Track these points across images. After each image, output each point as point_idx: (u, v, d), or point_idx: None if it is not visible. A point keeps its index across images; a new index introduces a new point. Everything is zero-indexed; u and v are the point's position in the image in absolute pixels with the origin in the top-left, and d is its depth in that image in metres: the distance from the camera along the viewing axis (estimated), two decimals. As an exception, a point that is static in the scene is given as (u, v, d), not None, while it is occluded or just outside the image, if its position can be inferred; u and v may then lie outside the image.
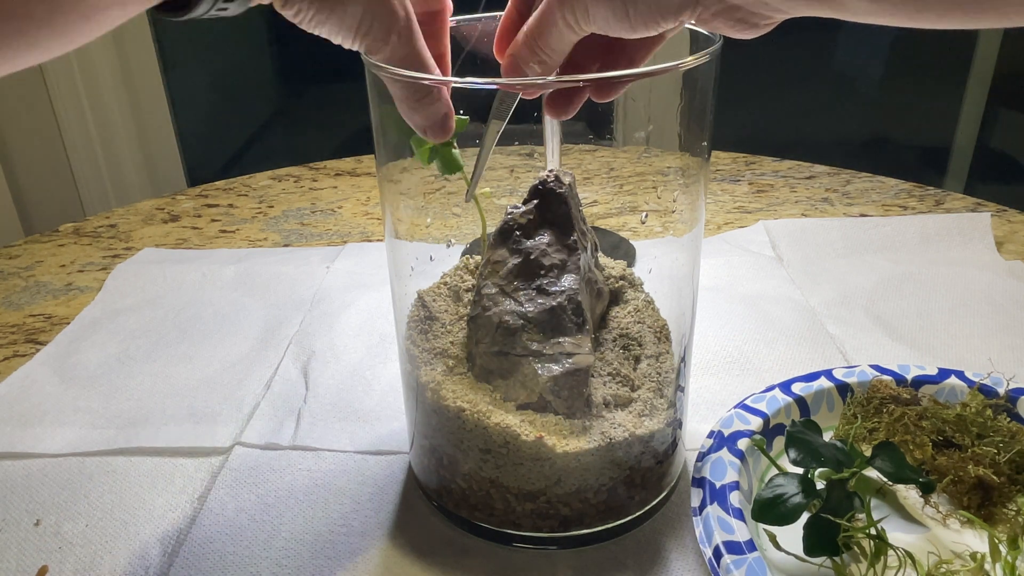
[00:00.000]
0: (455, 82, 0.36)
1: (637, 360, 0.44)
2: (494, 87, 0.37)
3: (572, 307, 0.40)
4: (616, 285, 0.47)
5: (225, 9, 0.30)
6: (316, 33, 0.33)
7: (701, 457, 0.45)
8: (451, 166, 0.38)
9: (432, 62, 0.35)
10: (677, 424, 0.45)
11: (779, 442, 0.47)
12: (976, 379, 0.49)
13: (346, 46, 0.34)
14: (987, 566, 0.39)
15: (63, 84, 1.44)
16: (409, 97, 0.35)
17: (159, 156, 1.62)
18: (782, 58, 2.08)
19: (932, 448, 0.46)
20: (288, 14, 0.32)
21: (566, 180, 0.42)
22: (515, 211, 0.42)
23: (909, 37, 2.04)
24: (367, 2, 0.32)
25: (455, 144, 0.38)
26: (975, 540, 0.41)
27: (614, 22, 0.31)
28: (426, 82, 0.35)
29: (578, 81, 0.36)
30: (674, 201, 0.43)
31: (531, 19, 0.34)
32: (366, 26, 0.32)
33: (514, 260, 0.41)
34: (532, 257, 0.41)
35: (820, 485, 0.41)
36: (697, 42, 0.40)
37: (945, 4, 0.27)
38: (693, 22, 0.32)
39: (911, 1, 0.27)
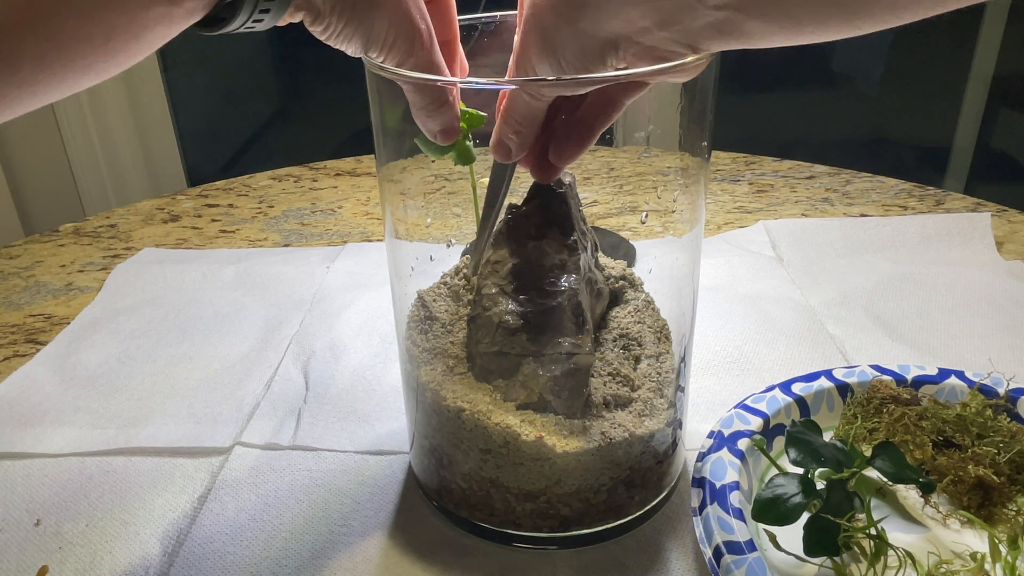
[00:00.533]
0: (463, 83, 0.37)
1: (637, 360, 0.44)
2: (497, 87, 0.37)
3: (572, 307, 0.40)
4: (616, 285, 0.47)
5: (260, 20, 0.31)
6: (342, 48, 0.35)
7: (701, 457, 0.45)
8: (466, 157, 0.40)
9: (448, 72, 0.38)
10: (677, 424, 0.45)
11: (779, 442, 0.47)
12: (976, 379, 0.49)
13: (371, 59, 0.36)
14: (987, 566, 0.39)
15: (63, 84, 1.44)
16: (428, 105, 0.37)
17: (159, 156, 1.62)
18: (782, 58, 2.07)
19: (932, 448, 0.46)
20: (317, 31, 0.33)
21: (566, 180, 0.42)
22: (515, 211, 0.42)
23: (909, 37, 2.04)
24: (392, 18, 0.33)
25: (469, 137, 0.40)
26: (975, 540, 0.41)
27: (553, 74, 0.33)
28: (439, 84, 0.36)
29: (580, 80, 0.36)
30: (674, 201, 0.43)
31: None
32: (391, 40, 0.34)
33: (514, 260, 0.41)
34: (532, 257, 0.41)
35: (820, 485, 0.41)
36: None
37: (841, 12, 0.28)
38: (623, 65, 0.33)
39: (810, 14, 0.28)
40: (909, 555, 0.38)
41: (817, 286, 0.71)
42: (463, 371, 0.42)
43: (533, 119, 0.36)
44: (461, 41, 0.41)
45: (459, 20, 0.40)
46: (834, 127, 2.10)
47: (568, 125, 0.38)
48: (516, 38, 0.34)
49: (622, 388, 0.42)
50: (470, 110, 0.38)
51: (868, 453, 0.43)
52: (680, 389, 0.45)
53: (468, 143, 0.40)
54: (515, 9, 0.44)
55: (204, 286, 0.75)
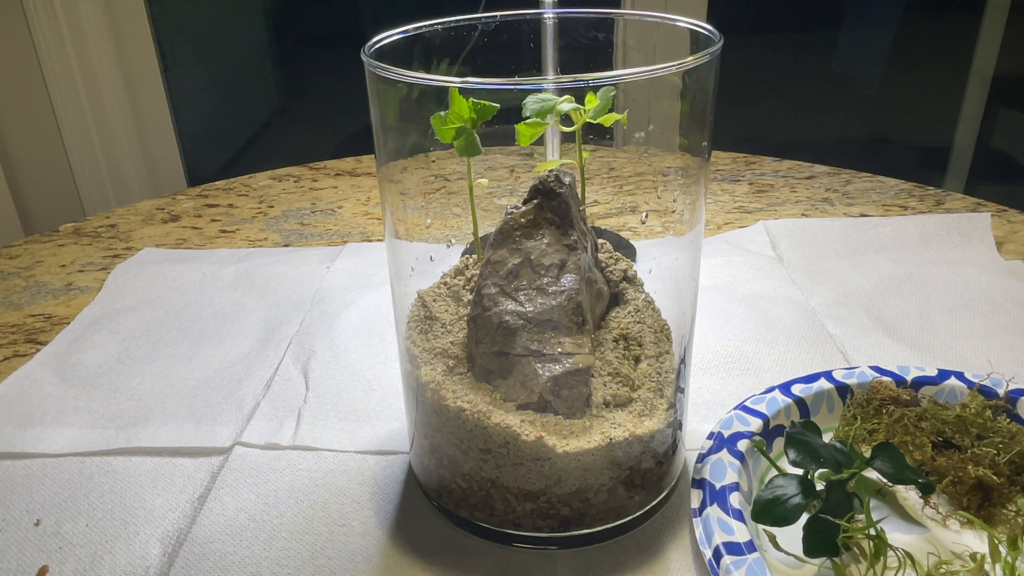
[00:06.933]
0: (463, 83, 0.36)
1: (637, 360, 0.44)
2: (494, 87, 0.37)
3: (572, 307, 0.40)
4: (618, 288, 0.47)
5: None
6: None
7: (701, 458, 0.45)
8: (472, 149, 0.39)
9: None
10: (677, 424, 0.45)
11: (779, 443, 0.47)
12: (976, 380, 0.49)
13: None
14: (987, 567, 0.39)
15: (63, 84, 1.44)
16: None
17: (159, 156, 1.62)
18: (782, 58, 2.07)
19: (932, 449, 0.46)
20: None
21: (566, 180, 0.42)
22: (515, 211, 0.42)
23: (909, 37, 2.04)
24: None
25: (479, 128, 0.39)
26: (975, 541, 0.41)
27: None
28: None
29: (583, 81, 0.36)
30: (674, 201, 0.43)
31: None
32: None
33: (514, 260, 0.41)
34: (532, 257, 0.41)
35: (820, 486, 0.41)
36: (697, 42, 0.40)
37: None
38: None
39: None
40: (909, 555, 0.38)
41: (817, 286, 0.71)
42: (463, 371, 0.42)
43: None
44: (461, 41, 0.41)
45: (459, 20, 0.40)
46: (834, 127, 2.10)
47: None
48: None
49: (622, 388, 0.42)
50: (482, 101, 0.38)
51: (868, 454, 0.43)
52: (680, 389, 0.45)
53: (476, 135, 0.39)
54: (515, 9, 0.44)
55: (204, 286, 0.75)
